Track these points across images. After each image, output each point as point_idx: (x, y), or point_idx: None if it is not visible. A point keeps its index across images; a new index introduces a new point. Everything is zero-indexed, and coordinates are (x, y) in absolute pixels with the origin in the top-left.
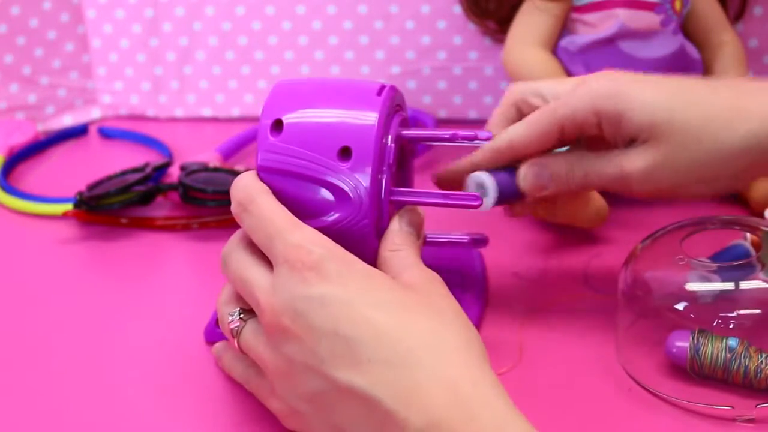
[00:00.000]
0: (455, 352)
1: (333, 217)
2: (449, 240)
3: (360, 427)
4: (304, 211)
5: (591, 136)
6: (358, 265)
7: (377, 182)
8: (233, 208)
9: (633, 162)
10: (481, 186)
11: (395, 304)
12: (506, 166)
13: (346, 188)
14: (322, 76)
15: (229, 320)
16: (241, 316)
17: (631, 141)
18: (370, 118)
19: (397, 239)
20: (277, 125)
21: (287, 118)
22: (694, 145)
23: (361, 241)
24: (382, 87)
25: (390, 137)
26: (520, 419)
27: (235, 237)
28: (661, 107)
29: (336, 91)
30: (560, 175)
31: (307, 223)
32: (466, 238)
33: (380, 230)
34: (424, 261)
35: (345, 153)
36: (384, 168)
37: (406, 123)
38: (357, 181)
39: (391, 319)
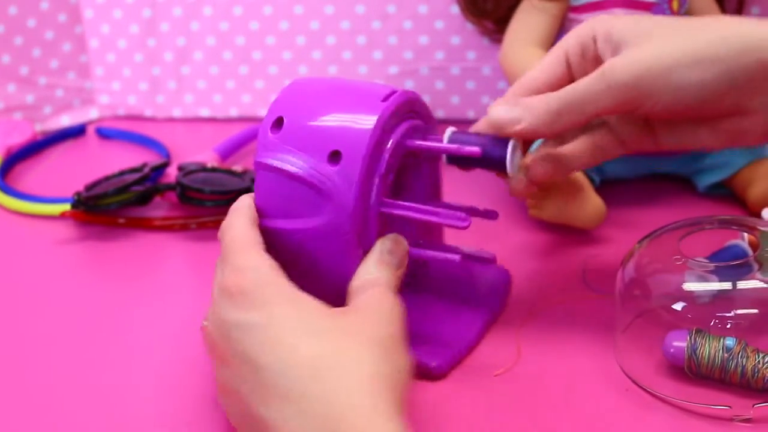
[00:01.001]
0: (360, 392)
1: (318, 220)
2: (439, 255)
3: None
4: (293, 211)
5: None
6: (286, 290)
7: (365, 190)
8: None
9: (620, 54)
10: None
11: (315, 331)
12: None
13: (331, 192)
14: (340, 77)
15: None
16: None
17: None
18: (366, 123)
19: (373, 268)
20: (278, 123)
21: (288, 117)
22: (677, 38)
23: (344, 248)
24: (392, 93)
25: (390, 145)
26: None
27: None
28: (644, 21)
29: (343, 93)
30: (538, 102)
31: (293, 224)
32: (457, 257)
33: (366, 240)
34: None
35: (335, 156)
36: (376, 176)
37: (420, 131)
38: (344, 186)
39: (306, 347)
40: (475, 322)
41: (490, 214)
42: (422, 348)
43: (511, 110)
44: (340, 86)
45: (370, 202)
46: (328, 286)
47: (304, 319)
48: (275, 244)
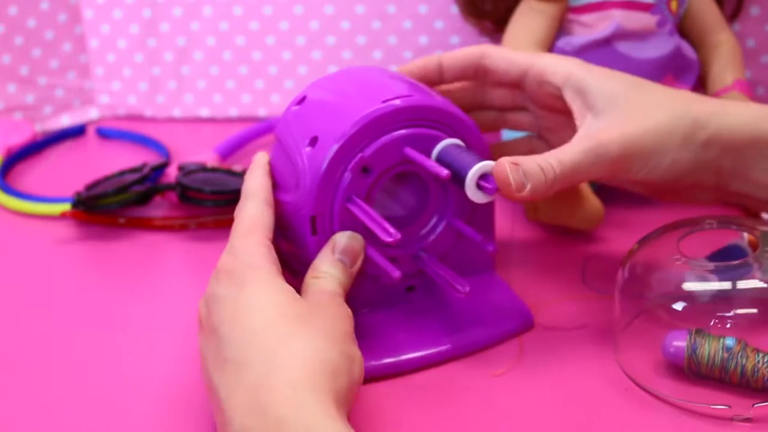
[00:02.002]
0: (296, 368)
1: (292, 196)
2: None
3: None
4: (282, 183)
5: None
6: (265, 275)
7: (329, 179)
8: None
9: (603, 128)
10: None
11: (277, 313)
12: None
13: (301, 173)
14: (383, 68)
15: None
16: None
17: (590, 113)
18: (350, 118)
19: (324, 266)
20: (301, 101)
21: (309, 97)
22: (667, 111)
23: (303, 229)
24: (397, 97)
25: (373, 147)
26: None
27: None
28: (615, 83)
29: (361, 86)
30: (534, 171)
31: (282, 196)
32: (397, 273)
33: (323, 229)
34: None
35: (313, 141)
36: (348, 170)
37: (425, 142)
38: (311, 170)
39: (262, 324)
40: (441, 343)
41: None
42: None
43: (515, 176)
44: (366, 79)
45: (336, 193)
46: (300, 259)
47: (271, 301)
48: (276, 210)
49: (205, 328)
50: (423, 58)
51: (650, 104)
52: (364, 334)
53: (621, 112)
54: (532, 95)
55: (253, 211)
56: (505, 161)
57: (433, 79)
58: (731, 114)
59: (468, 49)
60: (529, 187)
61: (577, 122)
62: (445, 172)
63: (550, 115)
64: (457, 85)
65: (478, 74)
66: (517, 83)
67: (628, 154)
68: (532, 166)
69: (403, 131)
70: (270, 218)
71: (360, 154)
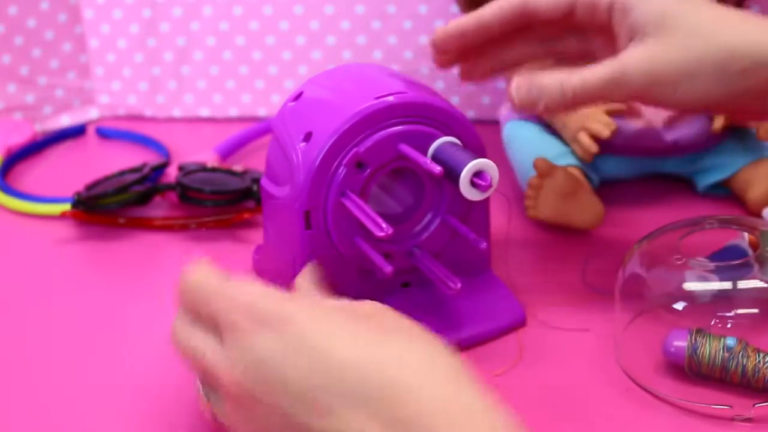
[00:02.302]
0: (438, 377)
1: (285, 191)
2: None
3: None
4: (276, 178)
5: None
6: (292, 298)
7: (322, 174)
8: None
9: (634, 55)
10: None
11: (355, 336)
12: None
13: (295, 168)
14: (378, 65)
15: (201, 401)
16: (203, 391)
17: (631, 34)
18: (344, 114)
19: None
20: (298, 96)
21: (305, 93)
22: (700, 43)
23: (295, 224)
24: (390, 94)
25: (367, 143)
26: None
27: (176, 317)
28: (672, 5)
29: (355, 83)
30: (554, 88)
31: (275, 190)
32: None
33: (317, 224)
34: None
35: (308, 136)
36: (342, 165)
37: (421, 139)
38: (304, 164)
39: (356, 352)
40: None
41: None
42: None
43: (529, 93)
44: (363, 76)
45: (330, 188)
46: (285, 257)
47: (336, 326)
48: (267, 204)
49: (263, 391)
50: (454, 21)
51: (688, 31)
52: None
53: (653, 40)
54: (583, 24)
55: (203, 275)
56: (521, 79)
57: (474, 39)
58: None
59: (500, 1)
60: (543, 103)
61: (619, 46)
62: (437, 169)
63: (603, 38)
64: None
65: (522, 22)
66: (565, 19)
67: (651, 83)
68: (553, 81)
69: (398, 128)
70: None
71: (354, 150)
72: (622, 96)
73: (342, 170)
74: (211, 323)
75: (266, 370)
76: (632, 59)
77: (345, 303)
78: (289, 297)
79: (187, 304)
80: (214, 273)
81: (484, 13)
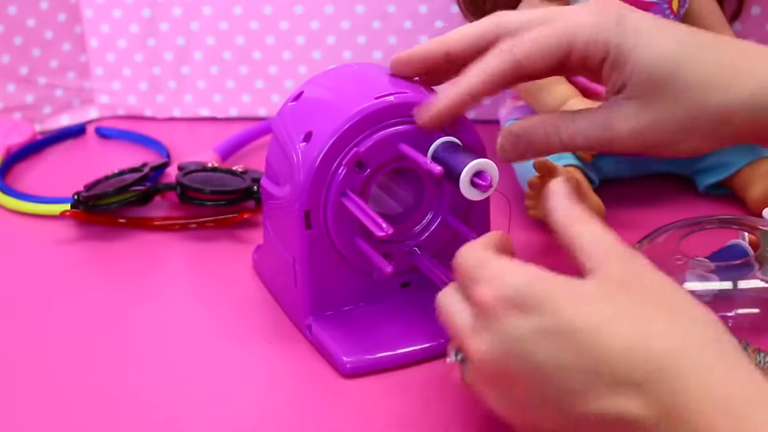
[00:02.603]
0: (713, 356)
1: (285, 191)
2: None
3: None
4: (276, 177)
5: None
6: (558, 280)
7: (322, 174)
8: None
9: (625, 121)
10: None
11: (616, 317)
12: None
13: (295, 168)
14: (377, 64)
15: (449, 360)
16: (458, 357)
17: (620, 89)
18: (344, 114)
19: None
20: (298, 96)
21: (305, 93)
22: (690, 107)
23: (294, 224)
24: (390, 93)
25: (368, 142)
26: None
27: (452, 283)
28: (666, 60)
29: (355, 82)
30: (540, 142)
31: (275, 190)
32: (389, 268)
33: (317, 224)
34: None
35: (308, 136)
36: (343, 165)
37: (421, 139)
38: (304, 164)
39: (624, 332)
40: (435, 338)
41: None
42: (350, 344)
43: (515, 148)
44: (363, 75)
45: (330, 188)
46: (285, 257)
47: (594, 303)
48: (267, 204)
49: (523, 373)
50: (421, 46)
51: (680, 91)
52: (358, 327)
53: (642, 103)
54: (574, 69)
55: (474, 246)
56: (505, 132)
57: (441, 68)
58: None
59: (475, 29)
60: (529, 155)
61: (605, 96)
62: (437, 169)
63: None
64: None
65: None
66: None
67: (642, 146)
68: (539, 137)
69: (398, 127)
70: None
71: (355, 149)
72: (612, 151)
73: (342, 170)
74: (468, 298)
75: (518, 353)
76: (621, 121)
77: (598, 276)
78: (541, 277)
79: (458, 272)
80: (479, 249)
81: (452, 41)
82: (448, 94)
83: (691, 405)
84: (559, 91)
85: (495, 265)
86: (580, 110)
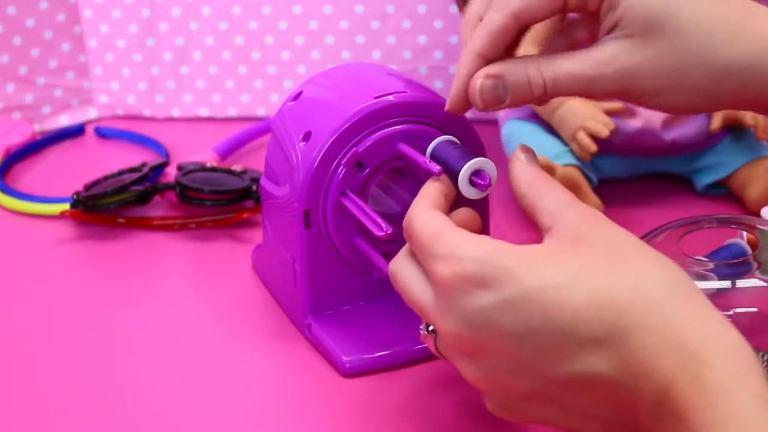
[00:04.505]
0: (667, 302)
1: (285, 190)
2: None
3: (592, 407)
4: (276, 177)
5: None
6: (512, 250)
7: (321, 173)
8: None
9: (614, 59)
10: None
11: (575, 273)
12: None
13: (295, 167)
14: (377, 64)
15: (421, 332)
16: (429, 329)
17: (613, 27)
18: (343, 114)
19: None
20: (297, 96)
21: (305, 93)
22: (687, 54)
23: (294, 223)
24: (389, 93)
25: (367, 142)
26: (750, 379)
27: (403, 249)
28: (664, 2)
29: (354, 82)
30: (520, 84)
31: (274, 189)
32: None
33: (317, 223)
34: None
35: (307, 136)
36: (342, 165)
37: (420, 138)
38: (303, 164)
39: (582, 291)
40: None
41: None
42: (350, 344)
43: (494, 92)
44: (362, 75)
45: (329, 188)
46: (285, 256)
47: (550, 268)
48: (266, 204)
49: (492, 343)
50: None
51: (677, 37)
52: (358, 327)
53: (633, 42)
54: (573, 10)
55: (426, 217)
56: (481, 74)
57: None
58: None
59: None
60: (508, 100)
61: (599, 35)
62: (437, 168)
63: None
64: None
65: (516, 33)
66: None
67: (627, 90)
68: (520, 77)
69: (397, 127)
70: (442, 217)
71: (354, 149)
72: (598, 93)
73: (341, 170)
74: (426, 272)
75: (484, 326)
76: (610, 59)
77: (554, 234)
78: (496, 248)
79: (410, 239)
80: (434, 217)
81: (480, 45)
82: (460, 64)
83: (650, 359)
84: None
85: (449, 237)
86: (563, 52)
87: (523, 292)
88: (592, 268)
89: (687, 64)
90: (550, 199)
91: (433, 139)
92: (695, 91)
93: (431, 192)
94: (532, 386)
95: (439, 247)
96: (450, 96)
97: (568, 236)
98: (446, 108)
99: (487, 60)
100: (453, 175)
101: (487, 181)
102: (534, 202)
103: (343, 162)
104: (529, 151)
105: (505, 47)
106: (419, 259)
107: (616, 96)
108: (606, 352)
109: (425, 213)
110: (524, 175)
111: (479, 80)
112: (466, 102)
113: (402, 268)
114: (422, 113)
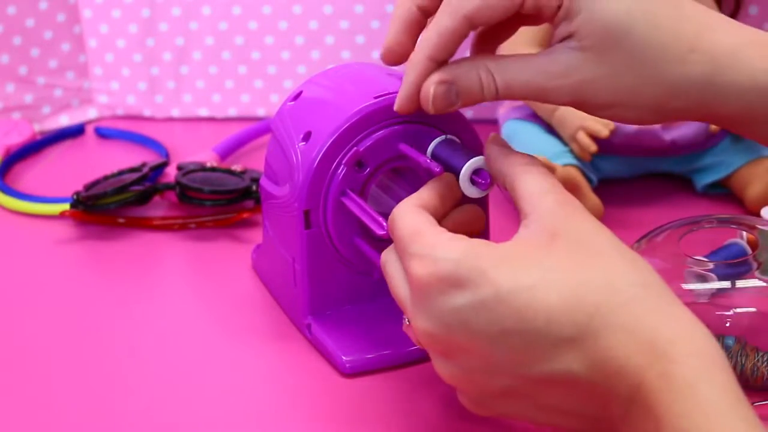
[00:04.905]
0: (638, 302)
1: (285, 190)
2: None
3: (566, 403)
4: (276, 177)
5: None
6: (487, 251)
7: (321, 173)
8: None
9: (566, 72)
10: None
11: (548, 274)
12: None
13: (295, 168)
14: (376, 64)
15: (404, 323)
16: (407, 322)
17: (568, 37)
18: (343, 114)
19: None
20: (297, 96)
21: (305, 93)
22: (642, 72)
23: (294, 223)
24: (389, 93)
25: (367, 142)
26: (716, 374)
27: (392, 245)
28: (622, 16)
29: (354, 82)
30: (472, 89)
31: (274, 189)
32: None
33: (317, 223)
34: None
35: (307, 136)
36: (342, 165)
37: (420, 138)
38: (303, 164)
39: (555, 292)
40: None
41: None
42: (350, 344)
43: (446, 96)
44: (362, 75)
45: (329, 187)
46: (285, 256)
47: (524, 268)
48: (266, 204)
49: (467, 343)
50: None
51: (629, 54)
52: (358, 327)
53: (586, 57)
54: (528, 18)
55: (408, 218)
56: (434, 80)
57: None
58: (732, 77)
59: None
60: (459, 104)
61: (552, 41)
62: (437, 168)
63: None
64: None
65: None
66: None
67: (577, 103)
68: (472, 82)
69: (397, 127)
70: (424, 215)
71: (354, 149)
72: (552, 101)
73: (342, 169)
74: (404, 267)
75: (458, 327)
76: (562, 72)
77: (530, 232)
78: (471, 249)
79: (392, 235)
80: (415, 216)
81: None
82: (410, 65)
83: (620, 359)
84: None
85: (427, 237)
86: (517, 55)
87: (497, 294)
88: (565, 268)
89: (641, 83)
90: (531, 183)
91: (434, 139)
92: (648, 107)
93: (422, 191)
94: (507, 384)
95: (417, 246)
96: (399, 97)
97: (543, 229)
98: (395, 108)
99: (438, 63)
100: (454, 174)
101: (488, 180)
102: (514, 183)
103: (343, 162)
104: (495, 141)
105: (455, 47)
106: (399, 257)
107: (570, 105)
108: (578, 352)
109: (408, 211)
110: (504, 157)
111: (432, 86)
112: (416, 104)
113: (388, 263)
114: (422, 113)
